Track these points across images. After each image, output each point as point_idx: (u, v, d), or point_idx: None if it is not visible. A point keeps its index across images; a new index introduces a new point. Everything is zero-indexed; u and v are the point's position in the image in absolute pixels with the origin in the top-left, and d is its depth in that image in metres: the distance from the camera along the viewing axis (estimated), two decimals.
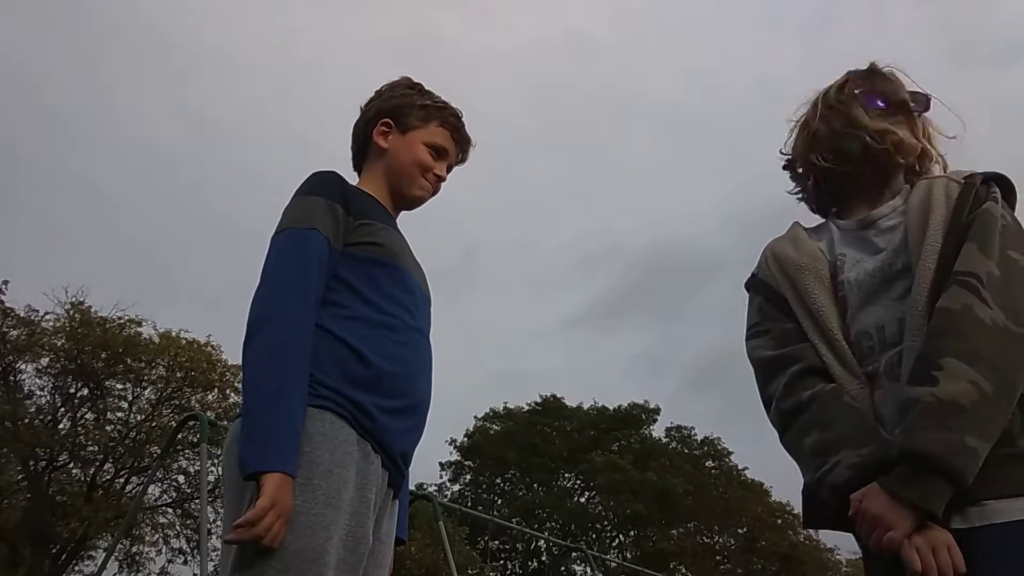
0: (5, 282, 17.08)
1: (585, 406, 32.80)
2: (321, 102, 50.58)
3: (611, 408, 32.43)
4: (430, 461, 32.84)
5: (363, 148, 1.81)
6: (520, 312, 47.81)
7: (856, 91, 1.48)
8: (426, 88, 1.84)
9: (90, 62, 41.14)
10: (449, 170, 1.84)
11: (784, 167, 1.61)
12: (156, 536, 19.11)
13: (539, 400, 32.81)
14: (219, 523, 18.93)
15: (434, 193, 1.83)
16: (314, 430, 1.40)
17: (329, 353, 1.48)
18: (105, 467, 18.58)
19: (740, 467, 31.18)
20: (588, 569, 26.17)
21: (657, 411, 31.96)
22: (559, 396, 32.89)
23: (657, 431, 32.47)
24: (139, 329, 18.84)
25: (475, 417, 33.23)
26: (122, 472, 18.77)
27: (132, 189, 37.24)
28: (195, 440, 15.55)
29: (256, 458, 1.33)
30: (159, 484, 18.49)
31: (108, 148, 36.99)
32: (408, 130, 1.76)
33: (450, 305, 48.01)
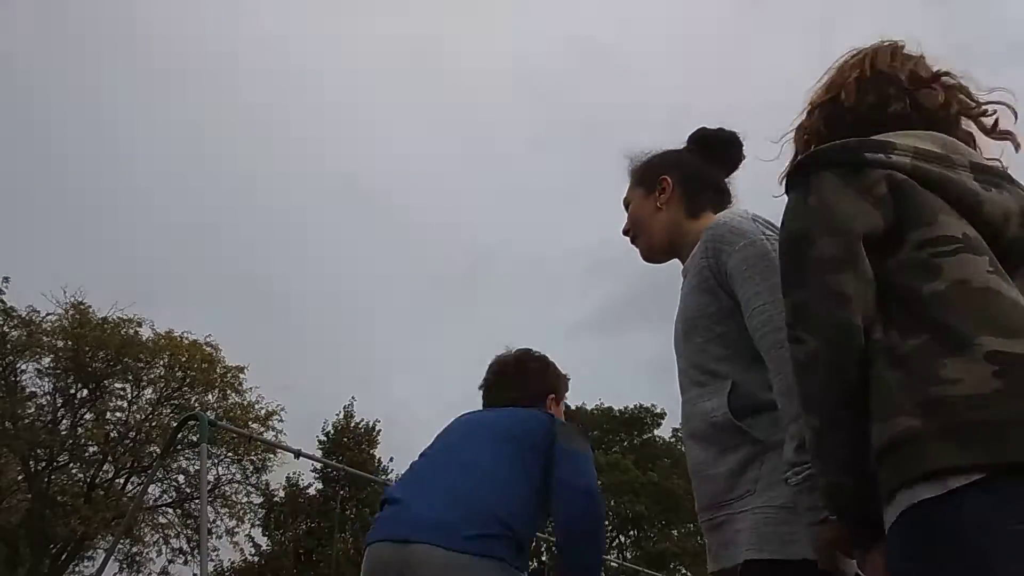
0: (5, 279, 17.13)
1: (589, 407, 32.77)
2: (323, 105, 50.56)
3: (616, 410, 32.42)
4: None
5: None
6: (527, 315, 47.66)
7: None
8: None
9: (92, 62, 41.19)
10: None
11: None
12: (156, 536, 19.13)
13: None
14: (219, 523, 19.02)
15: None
16: None
17: None
18: (105, 467, 18.60)
19: None
20: None
21: (663, 415, 31.94)
22: None
23: (663, 434, 32.45)
24: (137, 329, 18.90)
25: None
26: (122, 472, 18.78)
27: (134, 189, 37.26)
28: (195, 440, 15.54)
29: None
30: (159, 484, 18.50)
31: (111, 147, 36.98)
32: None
33: (457, 308, 48.08)
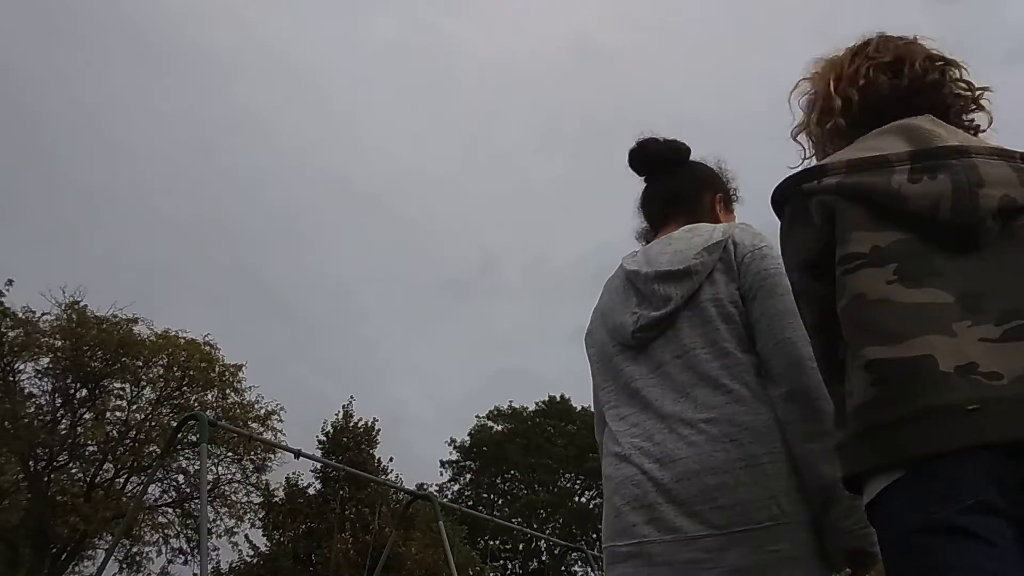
0: (9, 281, 17.14)
1: (591, 409, 32.74)
2: (324, 104, 50.52)
3: None
4: (430, 461, 32.86)
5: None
6: (530, 318, 47.75)
7: None
8: None
9: (93, 62, 41.16)
10: None
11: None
12: (156, 536, 19.14)
13: (546, 400, 32.77)
14: (218, 523, 19.02)
15: None
16: None
17: None
18: (105, 467, 18.59)
19: None
20: (588, 569, 26.14)
21: None
22: (566, 397, 32.83)
23: None
24: (135, 328, 18.87)
25: (476, 416, 33.26)
26: (122, 472, 18.77)
27: (136, 188, 37.25)
28: (195, 440, 15.54)
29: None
30: (159, 484, 18.50)
31: (112, 147, 36.97)
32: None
33: (458, 309, 48.05)
